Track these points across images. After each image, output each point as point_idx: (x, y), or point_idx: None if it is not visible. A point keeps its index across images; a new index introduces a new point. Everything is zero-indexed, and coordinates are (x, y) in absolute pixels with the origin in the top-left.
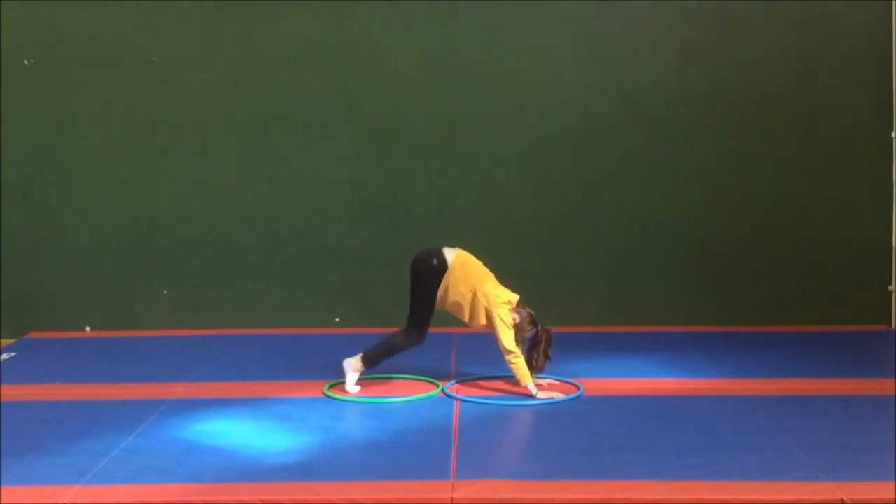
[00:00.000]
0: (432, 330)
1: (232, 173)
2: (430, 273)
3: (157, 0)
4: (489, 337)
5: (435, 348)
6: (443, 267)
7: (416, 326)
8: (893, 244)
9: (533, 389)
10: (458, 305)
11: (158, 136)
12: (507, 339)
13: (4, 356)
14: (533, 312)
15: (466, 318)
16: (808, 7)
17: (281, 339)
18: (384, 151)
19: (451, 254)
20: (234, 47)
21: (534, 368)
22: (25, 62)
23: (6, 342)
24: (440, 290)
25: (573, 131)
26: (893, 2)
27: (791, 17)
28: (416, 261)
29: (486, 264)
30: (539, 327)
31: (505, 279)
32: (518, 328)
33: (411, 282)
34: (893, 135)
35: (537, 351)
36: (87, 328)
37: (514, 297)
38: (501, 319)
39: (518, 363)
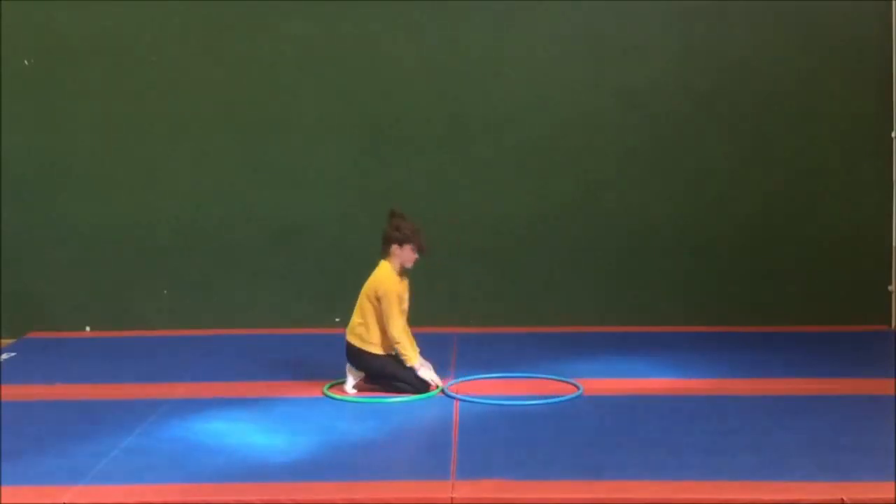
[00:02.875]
0: (433, 330)
1: (232, 173)
2: (360, 355)
3: (158, 0)
4: (488, 338)
5: (435, 348)
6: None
7: (408, 382)
8: (893, 244)
9: (416, 365)
10: (378, 321)
11: (158, 136)
12: (393, 325)
13: (4, 356)
14: (386, 231)
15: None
16: (808, 7)
17: (281, 339)
18: (384, 150)
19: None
20: (233, 47)
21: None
22: (25, 62)
23: (6, 342)
24: (380, 350)
25: (573, 131)
26: (893, 2)
27: (791, 17)
28: (349, 359)
29: (483, 263)
30: (400, 237)
31: (504, 278)
32: (403, 259)
33: (365, 373)
34: (893, 135)
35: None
36: (87, 328)
37: (383, 265)
38: (386, 300)
39: (401, 349)
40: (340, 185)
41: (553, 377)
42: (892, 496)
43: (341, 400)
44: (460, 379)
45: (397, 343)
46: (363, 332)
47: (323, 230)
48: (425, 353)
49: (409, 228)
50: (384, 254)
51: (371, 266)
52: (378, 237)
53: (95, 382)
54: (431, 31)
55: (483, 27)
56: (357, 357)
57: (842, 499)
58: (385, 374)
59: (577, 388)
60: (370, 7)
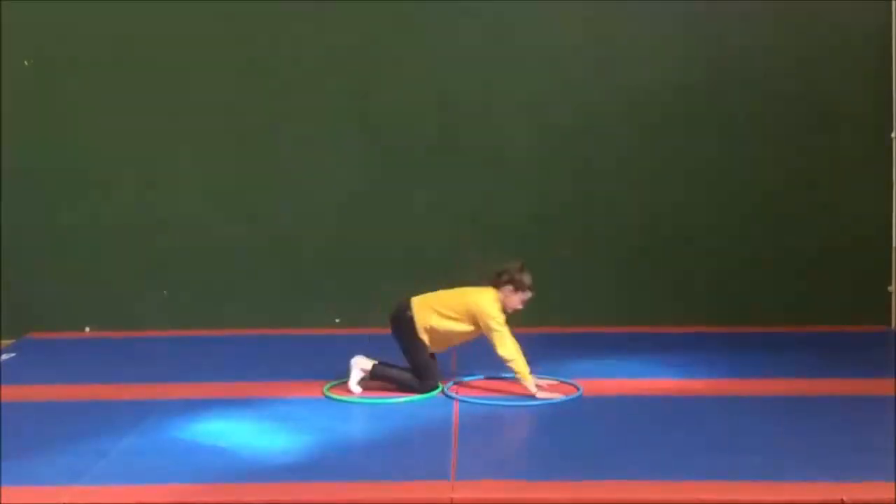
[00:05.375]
0: None
1: (233, 173)
2: (408, 325)
3: (159, 1)
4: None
5: None
6: (410, 320)
7: (425, 376)
8: (893, 244)
9: (533, 389)
10: (451, 333)
11: (159, 137)
12: (503, 346)
13: (4, 356)
14: (511, 273)
15: (463, 339)
16: (808, 7)
17: (281, 339)
18: (385, 151)
19: (415, 301)
20: (236, 50)
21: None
22: (25, 62)
23: (6, 342)
24: (424, 336)
25: (573, 131)
26: (893, 2)
27: (791, 16)
28: (392, 318)
29: (484, 264)
30: (519, 283)
31: None
32: (512, 304)
33: (396, 338)
34: (893, 135)
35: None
36: (87, 328)
37: (491, 292)
38: (493, 329)
39: (516, 367)
40: (341, 184)
41: (553, 377)
42: (892, 496)
43: (342, 400)
44: (460, 379)
45: (513, 363)
46: (429, 318)
47: (323, 230)
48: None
49: (530, 280)
50: (496, 284)
51: (372, 266)
52: (379, 237)
53: (95, 382)
54: (433, 33)
55: (483, 27)
56: (410, 322)
57: (842, 499)
58: (415, 354)
59: (577, 388)
60: (373, 9)
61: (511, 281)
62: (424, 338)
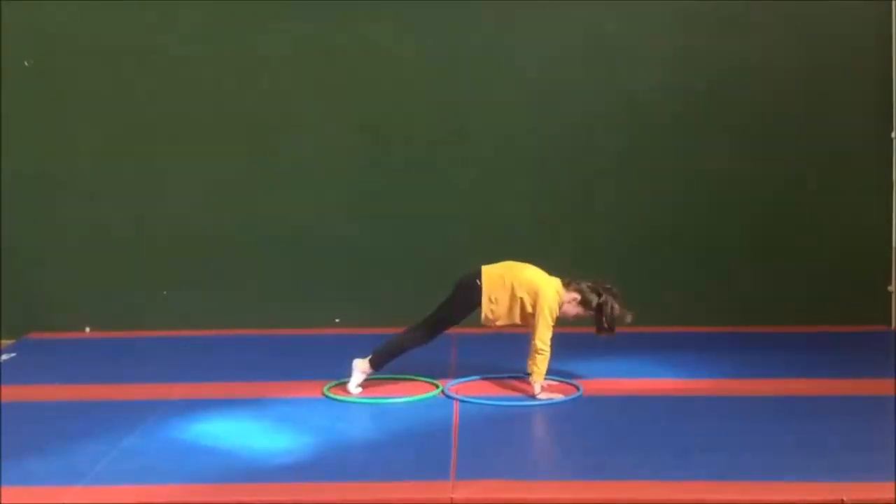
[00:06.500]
0: None
1: (232, 174)
2: (474, 291)
3: (159, 0)
4: (488, 338)
5: (435, 348)
6: (476, 286)
7: (429, 330)
8: (893, 244)
9: (537, 389)
10: (511, 303)
11: (158, 137)
12: (544, 334)
13: (4, 356)
14: (585, 286)
15: (519, 319)
16: (808, 7)
17: (281, 339)
18: (385, 152)
19: (485, 269)
20: (235, 48)
21: (604, 331)
22: (25, 63)
23: (6, 342)
24: (486, 306)
25: (574, 132)
26: (893, 2)
27: (791, 17)
28: (460, 282)
29: (484, 264)
30: (600, 299)
31: None
32: (567, 312)
33: (451, 296)
34: (893, 135)
35: (603, 317)
36: (87, 328)
37: (558, 284)
38: (545, 316)
39: (540, 361)
40: (341, 184)
41: (553, 378)
42: (893, 496)
43: (341, 400)
44: (460, 380)
45: (540, 355)
46: (495, 284)
47: (323, 230)
48: (426, 353)
49: (609, 308)
50: (568, 283)
51: (372, 266)
52: (379, 236)
53: (95, 382)
54: (433, 33)
55: (484, 29)
56: (476, 291)
57: (842, 499)
58: (449, 315)
59: (577, 388)
60: (372, 8)
61: (580, 291)
62: (486, 309)
